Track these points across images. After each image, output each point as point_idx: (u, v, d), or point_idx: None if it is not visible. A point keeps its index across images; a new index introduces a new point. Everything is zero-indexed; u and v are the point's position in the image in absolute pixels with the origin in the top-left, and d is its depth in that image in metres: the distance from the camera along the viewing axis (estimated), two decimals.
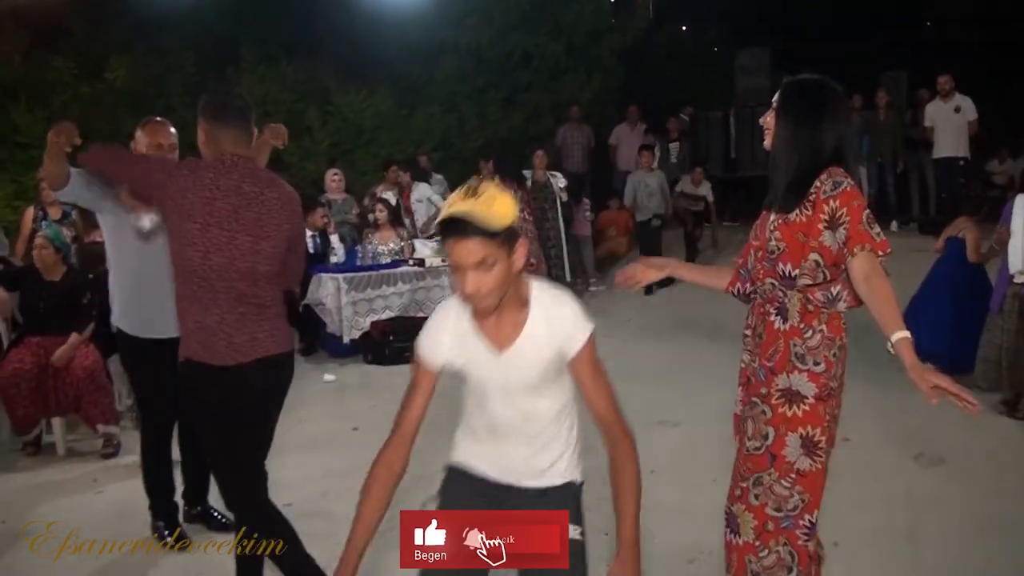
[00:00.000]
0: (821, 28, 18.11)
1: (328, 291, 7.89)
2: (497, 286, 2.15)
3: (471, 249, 2.07)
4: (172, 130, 4.20)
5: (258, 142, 4.59)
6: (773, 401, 2.76)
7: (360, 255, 8.42)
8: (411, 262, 8.37)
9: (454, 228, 2.09)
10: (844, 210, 2.58)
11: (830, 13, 18.18)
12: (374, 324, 7.97)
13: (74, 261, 6.39)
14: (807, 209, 2.67)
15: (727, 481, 4.83)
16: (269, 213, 3.14)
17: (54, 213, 7.37)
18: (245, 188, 3.11)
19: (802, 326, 2.73)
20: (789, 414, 2.73)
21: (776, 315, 2.78)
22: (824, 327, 2.71)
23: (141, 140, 4.15)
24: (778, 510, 2.82)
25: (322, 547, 4.08)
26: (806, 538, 2.81)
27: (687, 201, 11.45)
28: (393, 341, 7.88)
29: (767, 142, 2.93)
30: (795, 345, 2.73)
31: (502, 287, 2.16)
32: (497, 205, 2.08)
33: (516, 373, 2.32)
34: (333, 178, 9.48)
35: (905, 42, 17.11)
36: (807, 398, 2.71)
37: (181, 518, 4.43)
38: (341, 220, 9.14)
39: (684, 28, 18.29)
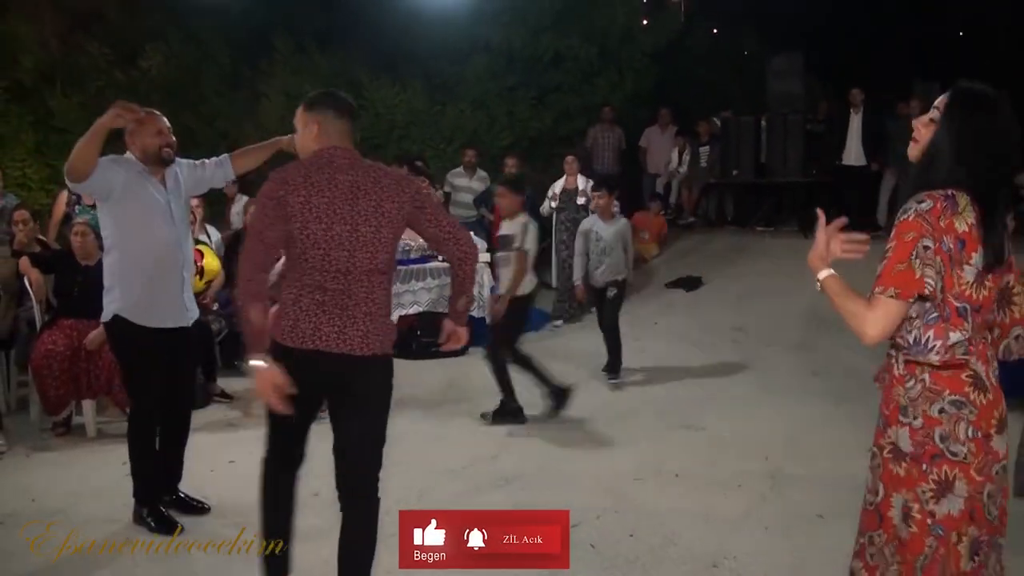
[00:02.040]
0: (855, 35, 18.00)
1: None
2: None
3: None
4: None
5: (271, 141, 4.70)
6: (885, 455, 2.54)
7: None
8: (440, 258, 8.40)
9: None
10: (892, 244, 2.39)
11: (864, 21, 18.07)
12: (402, 318, 8.00)
13: None
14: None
15: (752, 486, 4.88)
16: (387, 198, 3.18)
17: (88, 198, 7.44)
18: (358, 180, 3.16)
19: (905, 374, 2.50)
20: (894, 472, 2.50)
21: (896, 359, 2.55)
22: (927, 376, 2.43)
23: (142, 131, 4.22)
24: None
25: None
26: None
27: None
28: (420, 336, 7.92)
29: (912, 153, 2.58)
30: (899, 395, 2.50)
31: None
32: None
33: None
34: None
35: (938, 52, 16.99)
36: (907, 455, 2.46)
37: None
38: None
39: (715, 31, 18.21)
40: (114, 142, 4.18)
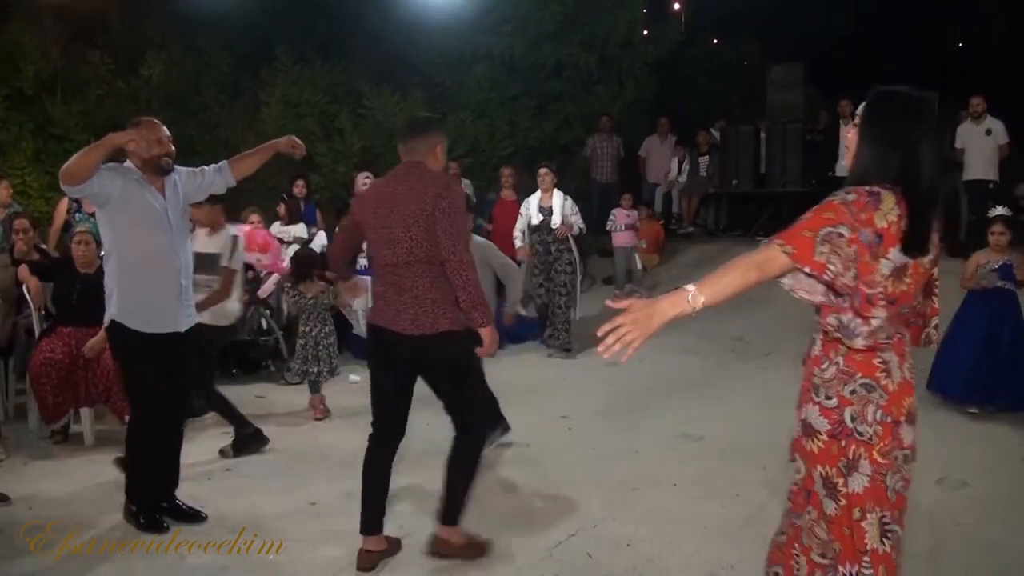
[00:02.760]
0: (854, 46, 18.06)
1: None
2: None
3: None
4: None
5: (267, 144, 4.77)
6: (798, 432, 2.69)
7: None
8: None
9: None
10: (810, 213, 2.48)
11: (864, 32, 18.13)
12: None
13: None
14: None
15: (749, 495, 4.87)
16: (412, 200, 3.75)
17: (88, 206, 7.44)
18: (398, 188, 3.81)
19: (821, 356, 2.62)
20: (807, 448, 2.65)
21: (815, 341, 2.67)
22: (841, 359, 2.56)
23: (142, 138, 4.26)
24: (823, 556, 2.67)
25: (348, 545, 4.14)
26: None
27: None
28: None
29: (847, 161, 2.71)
30: (814, 375, 2.63)
31: None
32: None
33: None
34: (364, 181, 9.49)
35: (937, 62, 17.03)
36: (820, 434, 2.60)
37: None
38: None
39: (715, 41, 18.27)
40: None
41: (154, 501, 4.52)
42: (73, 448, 5.84)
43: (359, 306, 7.87)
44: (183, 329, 4.44)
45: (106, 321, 4.38)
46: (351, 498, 4.16)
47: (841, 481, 2.56)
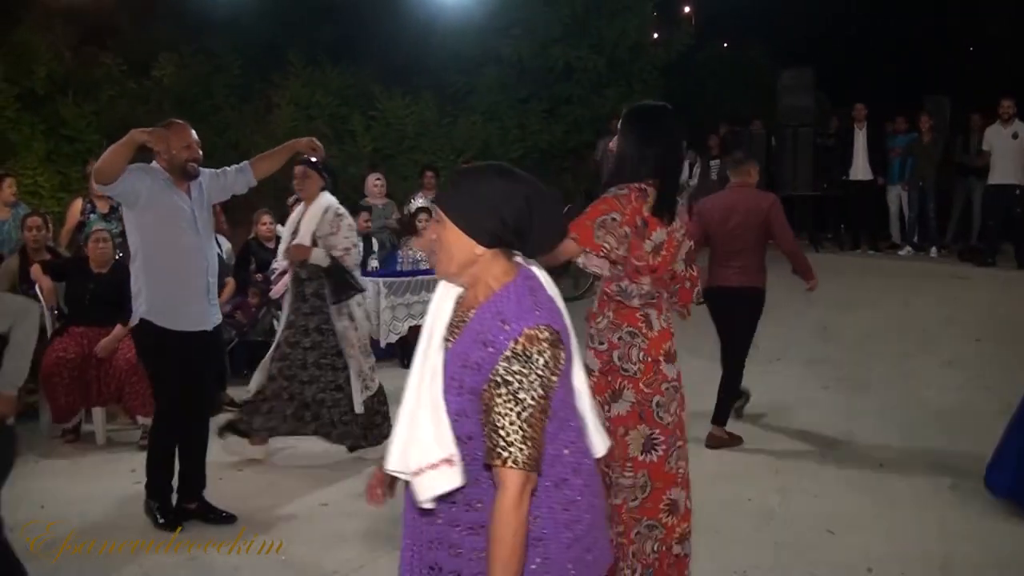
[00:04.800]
0: (863, 50, 18.01)
1: (367, 294, 7.93)
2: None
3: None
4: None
5: (288, 144, 4.83)
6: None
7: (401, 260, 8.47)
8: None
9: None
10: (589, 208, 3.21)
11: (874, 35, 18.09)
12: (413, 329, 7.99)
13: (121, 254, 6.48)
14: None
15: (761, 501, 4.86)
16: None
17: (102, 207, 7.45)
18: None
19: (597, 312, 3.34)
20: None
21: (595, 302, 3.39)
22: (611, 314, 3.28)
23: (171, 142, 4.33)
24: (606, 466, 3.23)
25: (360, 547, 4.15)
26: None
27: None
28: None
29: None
30: (591, 328, 3.34)
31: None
32: None
33: None
34: (375, 183, 9.53)
35: (948, 66, 16.97)
36: (594, 372, 3.25)
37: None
38: (381, 226, 9.18)
39: (725, 45, 18.25)
40: (144, 150, 4.30)
41: (179, 500, 4.56)
42: (85, 448, 5.87)
43: (371, 307, 7.88)
44: (210, 327, 4.50)
45: (134, 320, 4.44)
46: (362, 499, 4.12)
47: (607, 408, 3.23)
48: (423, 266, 8.41)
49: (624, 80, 13.24)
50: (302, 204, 5.54)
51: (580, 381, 2.10)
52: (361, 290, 5.58)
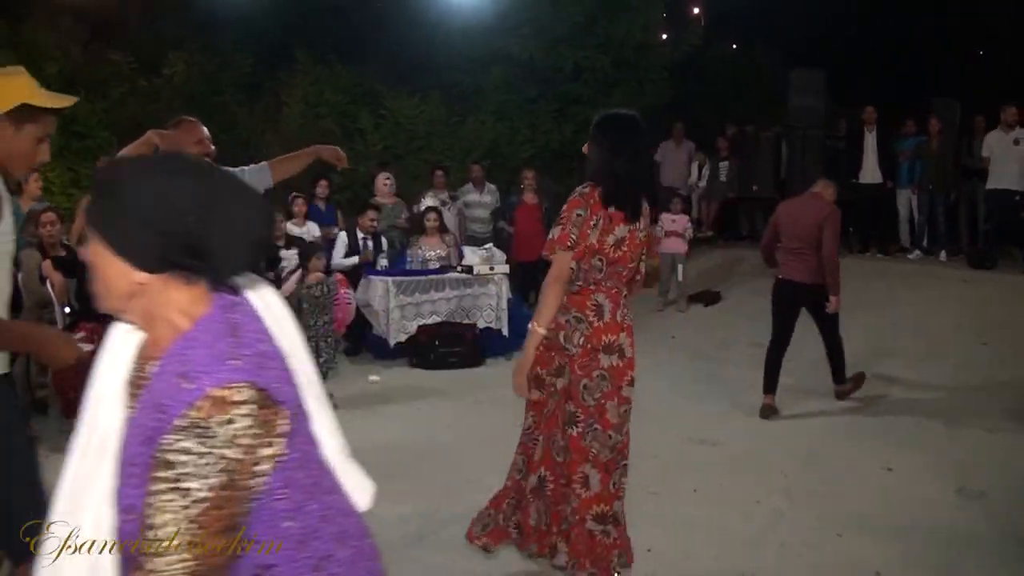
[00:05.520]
0: (874, 52, 17.96)
1: (377, 293, 7.96)
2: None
3: None
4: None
5: (310, 149, 4.80)
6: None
7: (410, 259, 8.49)
8: (459, 269, 8.43)
9: None
10: (562, 216, 3.52)
11: (884, 38, 18.03)
12: (421, 329, 8.01)
13: None
14: None
15: (769, 503, 4.86)
16: None
17: None
18: None
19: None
20: (543, 356, 3.61)
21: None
22: (566, 298, 3.53)
23: (182, 141, 4.28)
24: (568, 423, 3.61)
25: None
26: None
27: None
28: (439, 346, 7.94)
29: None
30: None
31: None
32: None
33: None
34: (384, 182, 9.54)
35: (957, 70, 16.91)
36: (553, 348, 3.59)
37: None
38: (390, 224, 9.18)
39: (734, 46, 18.22)
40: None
41: None
42: None
43: (380, 306, 7.91)
44: None
45: None
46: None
47: (550, 379, 3.58)
48: (432, 265, 8.44)
49: (633, 80, 13.22)
50: None
51: (324, 425, 1.64)
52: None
